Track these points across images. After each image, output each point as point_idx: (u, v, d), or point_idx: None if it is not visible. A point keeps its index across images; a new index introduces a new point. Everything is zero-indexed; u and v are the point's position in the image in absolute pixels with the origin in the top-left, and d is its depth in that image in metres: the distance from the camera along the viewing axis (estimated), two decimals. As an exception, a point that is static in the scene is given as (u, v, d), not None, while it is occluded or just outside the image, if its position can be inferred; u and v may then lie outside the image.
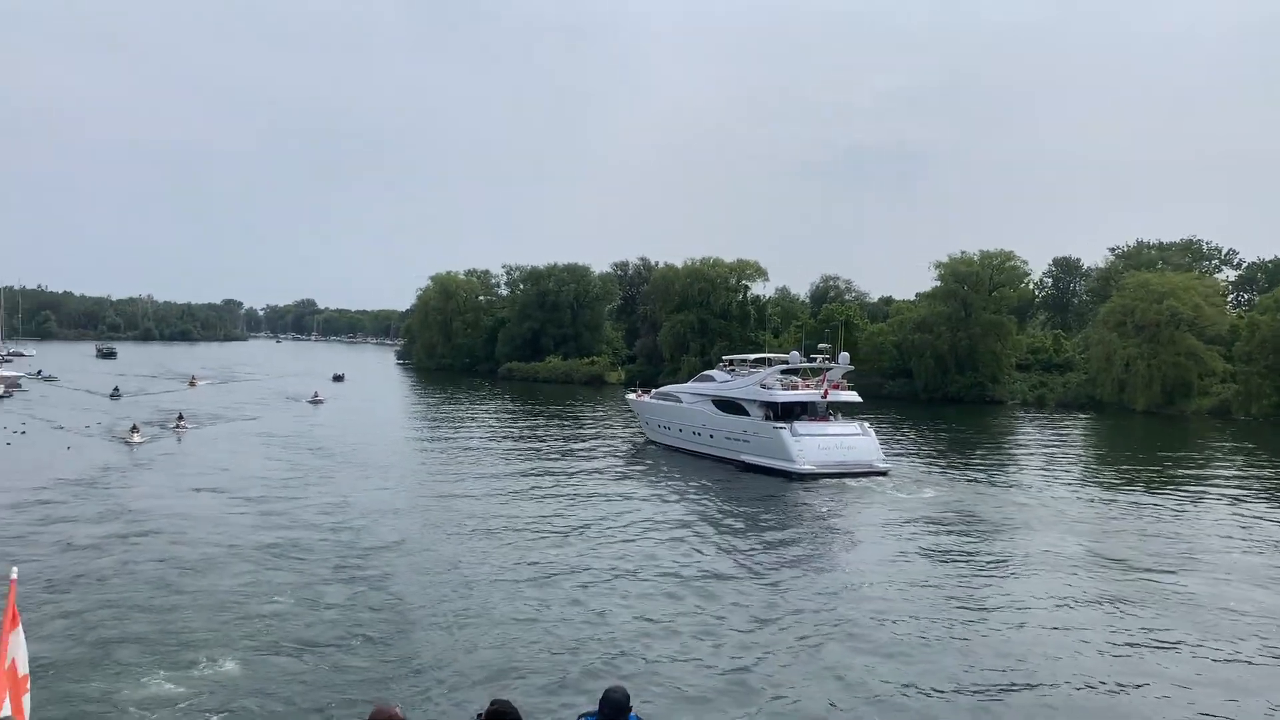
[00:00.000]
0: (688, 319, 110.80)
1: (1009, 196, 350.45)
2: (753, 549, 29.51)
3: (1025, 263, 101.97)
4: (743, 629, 20.93)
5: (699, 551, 28.74)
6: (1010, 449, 59.14)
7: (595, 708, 7.00)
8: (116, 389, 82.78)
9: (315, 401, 79.23)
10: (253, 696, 16.37)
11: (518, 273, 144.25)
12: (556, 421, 71.47)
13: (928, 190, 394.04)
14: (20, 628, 6.97)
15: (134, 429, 52.10)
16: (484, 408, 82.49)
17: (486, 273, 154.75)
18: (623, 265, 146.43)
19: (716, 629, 20.82)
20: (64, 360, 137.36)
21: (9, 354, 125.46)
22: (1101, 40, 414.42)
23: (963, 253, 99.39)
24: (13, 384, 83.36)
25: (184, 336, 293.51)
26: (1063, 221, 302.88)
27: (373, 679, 17.29)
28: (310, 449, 50.57)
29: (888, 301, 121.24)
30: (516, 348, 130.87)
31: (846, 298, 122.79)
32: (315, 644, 19.15)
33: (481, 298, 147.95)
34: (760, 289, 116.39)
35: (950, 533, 32.41)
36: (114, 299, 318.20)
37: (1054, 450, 57.81)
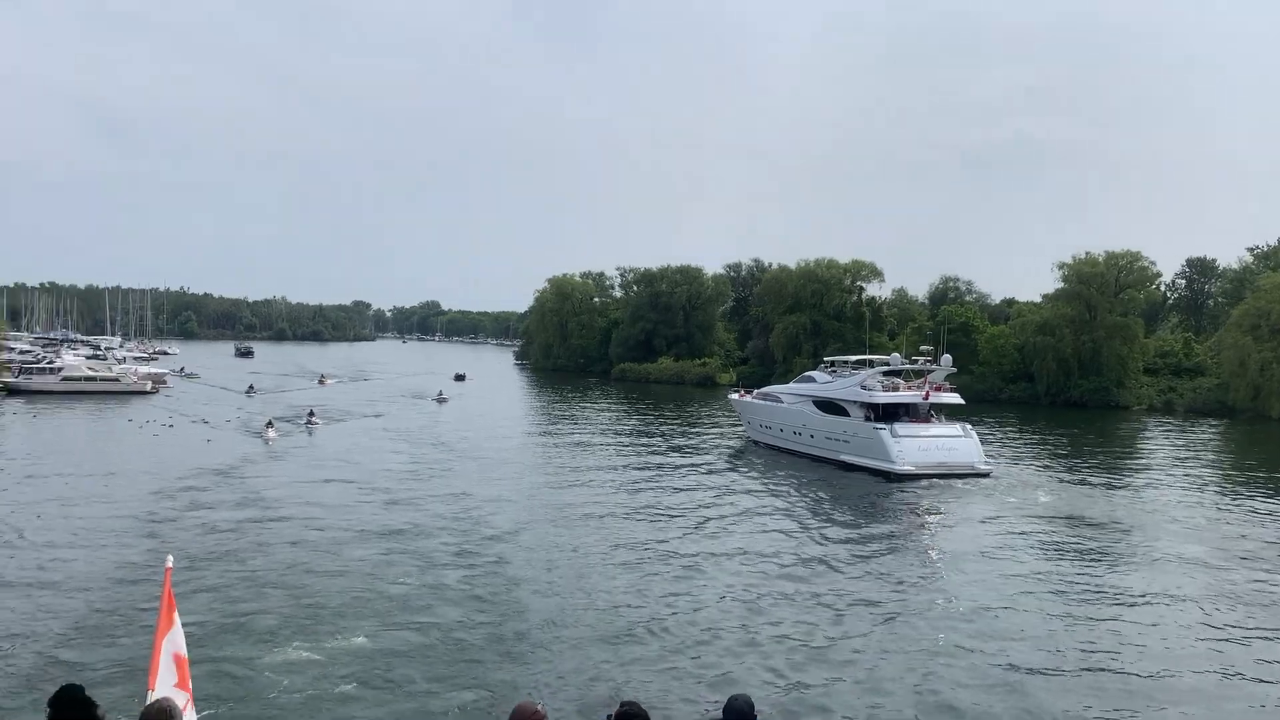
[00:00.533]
0: (800, 320, 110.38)
1: (1138, 195, 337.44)
2: (850, 545, 29.90)
3: (1153, 263, 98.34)
4: (847, 624, 21.45)
5: (798, 549, 29.30)
6: (1131, 455, 57.39)
7: (719, 713, 6.84)
8: (251, 386, 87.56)
9: (440, 400, 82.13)
10: (379, 666, 17.82)
11: (631, 274, 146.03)
12: (664, 421, 72.65)
13: (1054, 188, 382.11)
14: (177, 614, 7.31)
15: (269, 425, 55.17)
16: (596, 407, 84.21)
17: (601, 275, 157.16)
18: (736, 266, 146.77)
19: (824, 625, 21.33)
20: (204, 359, 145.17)
21: (155, 352, 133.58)
22: (1228, 31, 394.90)
23: (1087, 253, 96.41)
24: (160, 381, 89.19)
25: (315, 337, 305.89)
26: (1194, 221, 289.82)
27: (489, 655, 18.56)
28: (433, 444, 52.89)
29: (1010, 303, 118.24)
30: (629, 349, 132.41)
31: (966, 299, 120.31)
32: (436, 621, 20.58)
33: (596, 299, 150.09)
34: (876, 290, 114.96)
35: (1051, 533, 32.22)
36: (250, 300, 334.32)
37: (1178, 457, 55.80)
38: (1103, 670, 18.58)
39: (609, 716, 6.02)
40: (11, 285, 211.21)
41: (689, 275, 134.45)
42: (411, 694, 16.56)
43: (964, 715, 16.32)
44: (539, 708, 6.03)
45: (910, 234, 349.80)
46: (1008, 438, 63.49)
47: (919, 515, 36.21)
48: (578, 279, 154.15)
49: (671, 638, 20.01)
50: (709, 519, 33.39)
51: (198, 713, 7.22)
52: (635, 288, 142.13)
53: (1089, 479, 44.91)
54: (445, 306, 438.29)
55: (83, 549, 26.70)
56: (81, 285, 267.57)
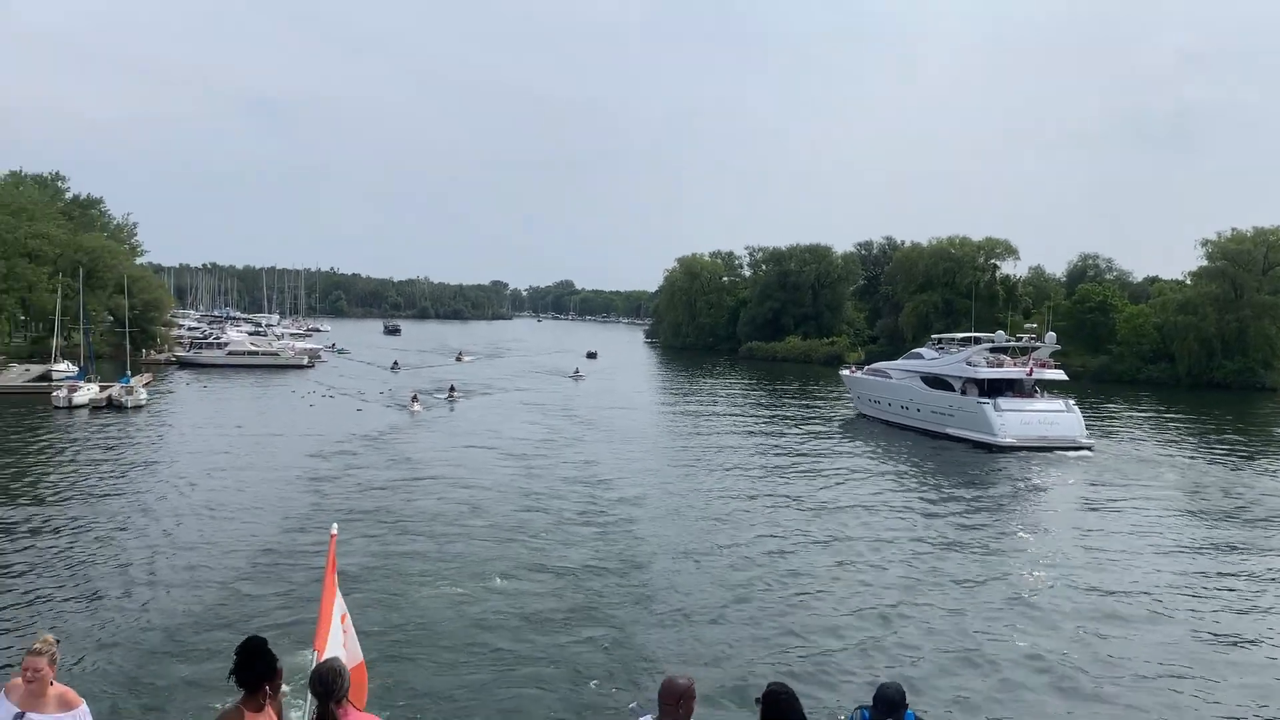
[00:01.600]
0: (931, 299, 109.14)
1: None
2: (958, 517, 30.76)
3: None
4: (970, 600, 22.47)
5: (910, 522, 30.34)
6: (1265, 437, 55.58)
7: (869, 703, 6.72)
8: (396, 362, 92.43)
9: (577, 377, 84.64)
10: (516, 603, 20.02)
11: (760, 253, 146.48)
12: (783, 396, 74.10)
13: (1208, 162, 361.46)
14: (335, 576, 7.49)
15: (414, 398, 58.47)
16: (720, 383, 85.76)
17: (730, 254, 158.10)
18: (867, 245, 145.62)
19: (949, 601, 22.03)
20: (354, 336, 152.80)
21: (308, 329, 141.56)
22: None
23: (1234, 230, 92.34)
24: (315, 355, 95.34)
25: (456, 315, 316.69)
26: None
27: (615, 599, 20.50)
28: (566, 416, 55.57)
29: (1153, 281, 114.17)
30: (757, 327, 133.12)
31: (1106, 277, 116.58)
32: (568, 568, 22.75)
33: (725, 278, 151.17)
34: (1011, 268, 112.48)
35: (1143, 507, 32.48)
36: (396, 280, 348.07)
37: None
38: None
39: (757, 700, 5.86)
40: (177, 266, 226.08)
41: (818, 254, 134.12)
42: (546, 629, 18.65)
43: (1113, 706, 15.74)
44: (688, 681, 5.82)
45: (1055, 209, 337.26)
46: (1136, 416, 62.45)
47: (1021, 487, 37.19)
48: (707, 258, 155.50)
49: (797, 611, 20.38)
50: (820, 488, 34.82)
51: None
52: (764, 267, 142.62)
53: (1203, 458, 44.36)
54: (579, 286, 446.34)
55: (254, 500, 30.03)
56: (240, 266, 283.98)
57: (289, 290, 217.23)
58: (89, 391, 54.01)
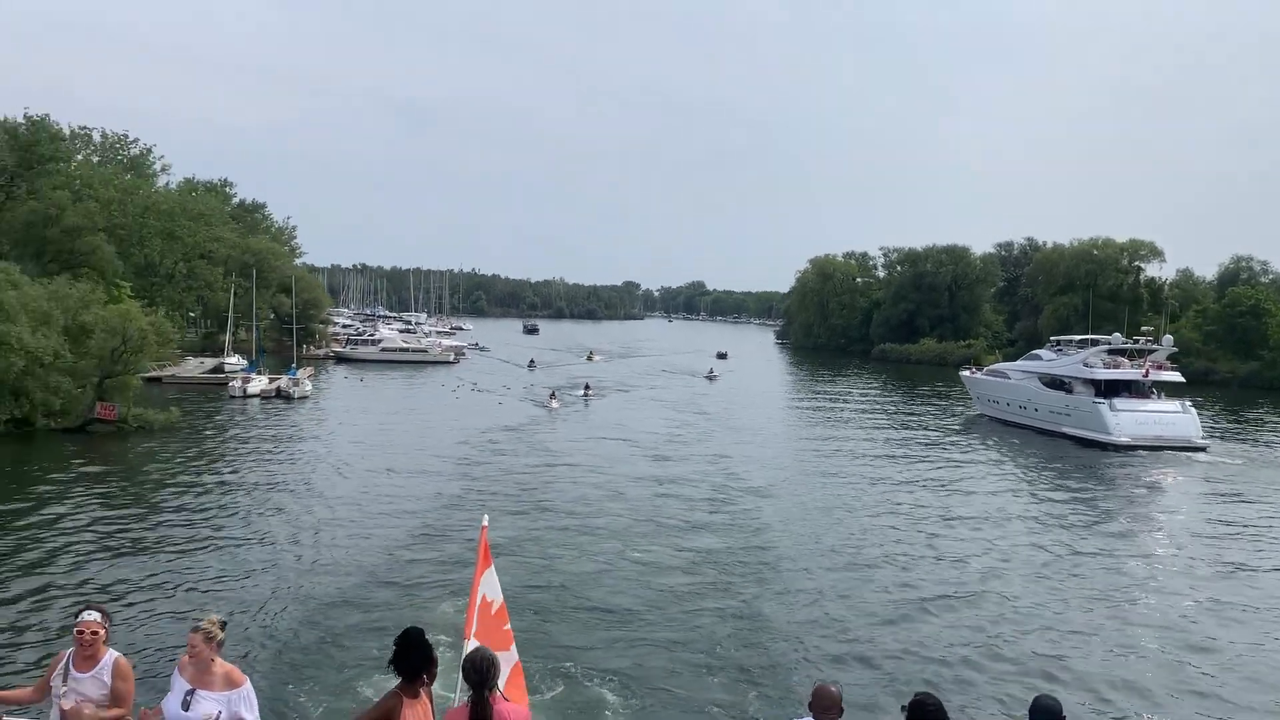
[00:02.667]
0: (1072, 301, 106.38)
1: None
2: (1073, 514, 31.31)
3: None
4: (1108, 605, 23.59)
5: (1034, 520, 31.20)
6: None
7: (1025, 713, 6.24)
8: (532, 361, 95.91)
9: (711, 378, 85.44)
10: (650, 572, 22.07)
11: (895, 254, 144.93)
12: (912, 397, 74.49)
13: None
14: (492, 567, 7.54)
15: (552, 395, 60.77)
16: (850, 384, 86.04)
17: (864, 255, 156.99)
18: (1007, 246, 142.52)
19: (1087, 603, 22.68)
20: (494, 334, 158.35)
21: (453, 327, 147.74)
22: None
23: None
24: (459, 352, 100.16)
25: (590, 315, 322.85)
26: None
27: (743, 576, 22.26)
28: (698, 414, 57.40)
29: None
30: (891, 329, 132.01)
31: (1261, 280, 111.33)
32: (699, 546, 24.69)
33: (858, 279, 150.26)
34: (1156, 270, 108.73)
35: (1248, 505, 32.68)
36: (532, 281, 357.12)
37: None
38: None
39: (903, 708, 5.74)
40: (329, 266, 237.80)
41: (955, 255, 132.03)
42: (676, 596, 20.61)
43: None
44: (839, 690, 6.06)
45: (1208, 208, 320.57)
46: (1275, 423, 60.58)
47: (1136, 486, 38.14)
48: (840, 259, 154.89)
49: (930, 605, 20.54)
50: (939, 484, 35.78)
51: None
52: (899, 267, 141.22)
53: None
54: (710, 287, 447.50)
55: (409, 479, 33.06)
56: (387, 267, 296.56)
57: (434, 290, 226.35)
58: (260, 383, 58.94)
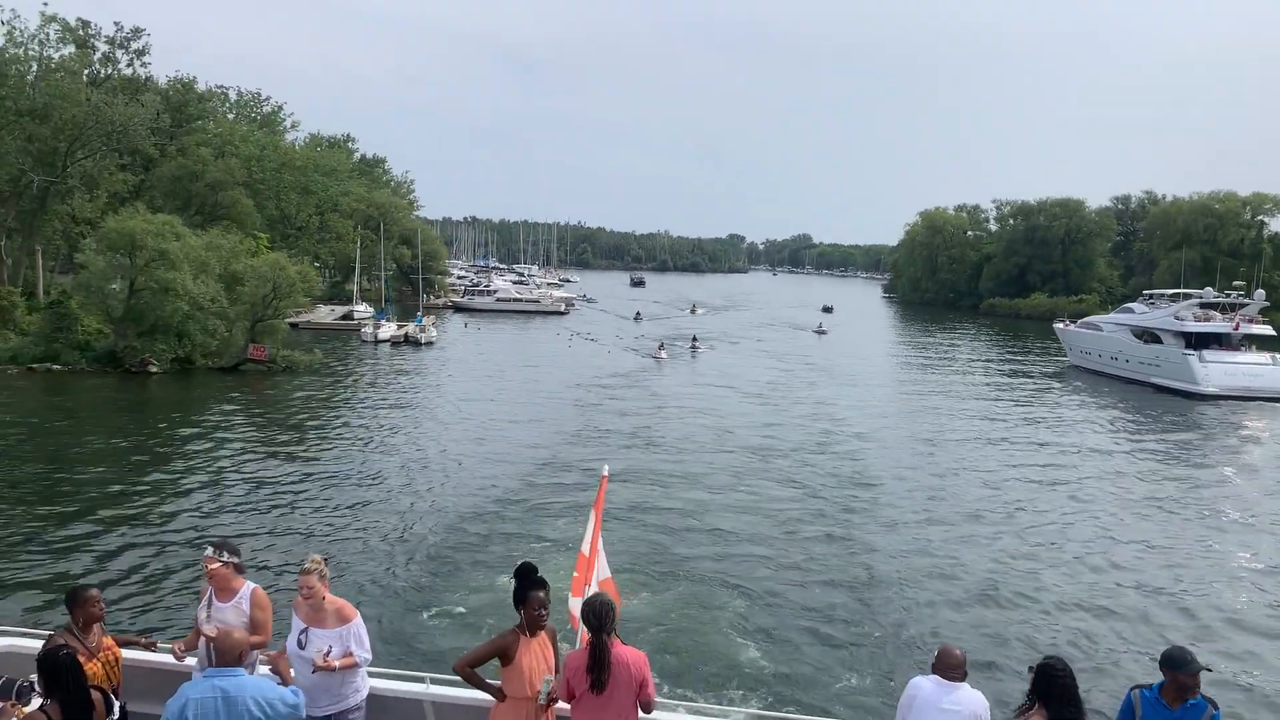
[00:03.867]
0: (1189, 256, 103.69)
1: None
2: (1163, 463, 32.42)
3: None
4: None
5: (1125, 473, 32.43)
6: None
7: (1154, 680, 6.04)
8: (638, 313, 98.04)
9: (820, 332, 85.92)
10: (751, 502, 24.37)
11: (1007, 207, 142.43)
12: (1014, 350, 75.52)
13: None
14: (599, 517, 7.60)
15: (660, 346, 62.62)
16: (956, 337, 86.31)
17: (976, 208, 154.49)
18: (1124, 199, 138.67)
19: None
20: (601, 287, 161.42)
21: (562, 279, 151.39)
22: None
23: None
24: (569, 303, 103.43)
25: (694, 268, 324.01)
26: None
27: (841, 515, 24.08)
28: (802, 364, 59.23)
29: None
30: (1001, 284, 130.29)
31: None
32: (801, 484, 26.77)
33: (969, 232, 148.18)
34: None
35: None
36: (637, 234, 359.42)
37: None
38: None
39: (1030, 668, 5.78)
40: (440, 219, 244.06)
41: (1069, 208, 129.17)
42: (779, 522, 22.80)
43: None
44: (962, 653, 6.15)
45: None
46: None
47: (1225, 433, 40.03)
48: (950, 212, 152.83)
49: (1031, 553, 21.04)
50: (1034, 431, 37.10)
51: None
52: (1010, 221, 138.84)
53: None
54: (816, 240, 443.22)
55: (532, 416, 36.01)
56: (495, 220, 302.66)
57: (542, 243, 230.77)
58: (389, 329, 62.89)
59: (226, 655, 5.31)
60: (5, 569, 17.40)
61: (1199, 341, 52.56)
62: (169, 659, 6.90)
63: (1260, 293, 56.35)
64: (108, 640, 6.15)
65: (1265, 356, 51.38)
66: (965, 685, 5.92)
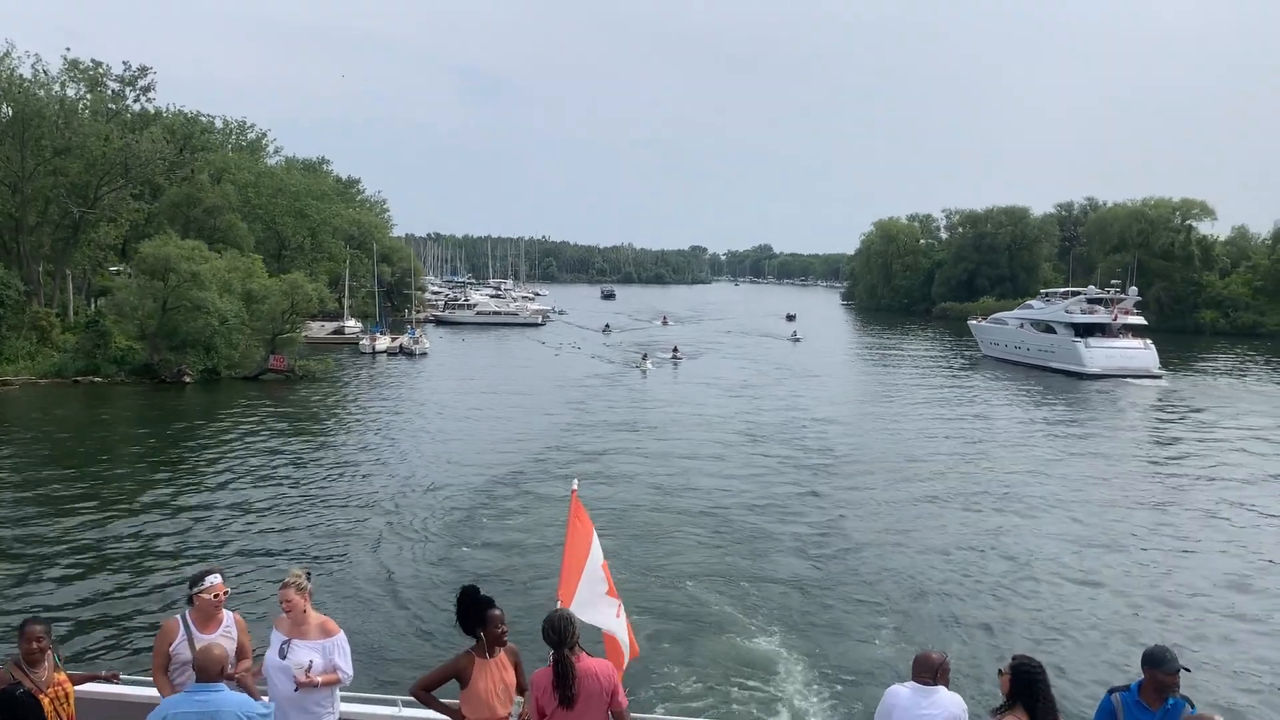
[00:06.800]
0: (1123, 260, 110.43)
1: None
2: (1060, 432, 38.38)
3: None
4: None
5: (1033, 442, 38.30)
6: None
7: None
8: (607, 325, 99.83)
9: (795, 340, 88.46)
10: (738, 471, 29.62)
11: (956, 216, 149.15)
12: (943, 346, 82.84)
13: None
14: (594, 532, 7.37)
15: (644, 357, 65.13)
16: (906, 339, 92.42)
17: (928, 216, 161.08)
18: (1067, 206, 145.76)
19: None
20: (571, 300, 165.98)
21: (533, 293, 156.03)
22: None
23: None
24: (545, 316, 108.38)
25: (658, 280, 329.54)
26: None
27: (795, 494, 29.49)
28: (774, 367, 64.46)
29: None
30: (951, 289, 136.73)
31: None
32: (761, 479, 32.11)
33: (921, 241, 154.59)
34: (1208, 228, 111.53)
35: (1177, 419, 43.04)
36: (601, 247, 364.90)
37: None
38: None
39: (1000, 671, 5.63)
40: (404, 236, 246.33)
41: (1014, 216, 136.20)
42: (765, 483, 28.01)
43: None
44: (941, 656, 6.00)
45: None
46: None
47: (1104, 406, 48.27)
48: (904, 221, 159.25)
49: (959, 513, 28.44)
50: (949, 408, 43.04)
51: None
52: (960, 229, 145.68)
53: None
54: (777, 250, 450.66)
55: (530, 413, 40.98)
56: (459, 235, 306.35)
57: (509, 258, 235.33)
58: (385, 341, 67.68)
59: (210, 670, 5.36)
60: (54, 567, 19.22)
61: (1085, 331, 62.11)
62: (132, 689, 6.92)
63: (1133, 289, 67.59)
64: (59, 675, 5.96)
65: (1139, 342, 60.81)
66: (942, 689, 5.83)
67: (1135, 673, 5.92)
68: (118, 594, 17.70)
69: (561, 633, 5.45)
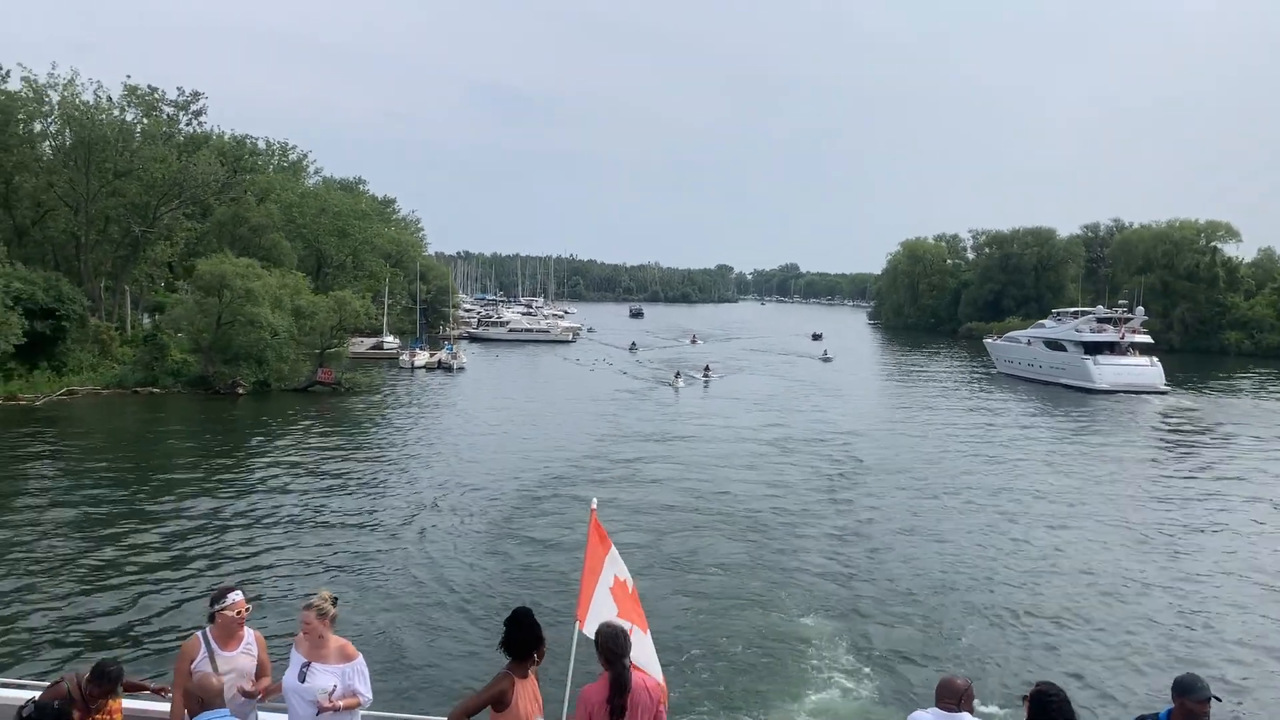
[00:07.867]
0: (1148, 281, 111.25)
1: None
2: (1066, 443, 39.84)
3: None
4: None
5: (1048, 459, 39.78)
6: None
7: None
8: (634, 344, 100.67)
9: (825, 359, 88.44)
10: (758, 484, 31.34)
11: (983, 236, 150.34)
12: (965, 366, 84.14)
13: None
14: (614, 549, 7.13)
15: (677, 375, 66.49)
16: (932, 358, 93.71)
17: (954, 237, 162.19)
18: (1093, 227, 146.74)
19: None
20: (599, 318, 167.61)
21: (563, 311, 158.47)
22: None
23: None
24: (576, 333, 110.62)
25: (684, 298, 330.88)
26: None
27: (826, 504, 31.25)
28: (802, 384, 66.07)
29: None
30: (978, 309, 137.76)
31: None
32: (791, 484, 33.78)
33: (948, 261, 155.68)
34: (1233, 250, 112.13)
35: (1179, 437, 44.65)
36: (628, 265, 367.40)
37: None
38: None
39: (1023, 698, 5.54)
40: (434, 254, 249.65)
41: (1040, 237, 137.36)
42: (779, 499, 29.75)
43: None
44: (966, 682, 5.93)
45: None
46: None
47: (1115, 421, 50.26)
48: (930, 241, 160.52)
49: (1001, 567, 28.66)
50: (969, 422, 44.55)
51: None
52: (987, 249, 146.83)
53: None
54: (803, 269, 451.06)
55: (569, 430, 42.81)
56: (488, 253, 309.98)
57: (538, 276, 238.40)
58: (424, 356, 69.91)
59: (216, 699, 5.48)
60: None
61: (1094, 349, 65.14)
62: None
63: (1140, 309, 70.62)
64: (114, 703, 5.97)
65: (1145, 359, 63.91)
66: (966, 715, 5.78)
67: (1165, 699, 5.73)
68: (173, 606, 18.09)
69: (622, 647, 5.41)
